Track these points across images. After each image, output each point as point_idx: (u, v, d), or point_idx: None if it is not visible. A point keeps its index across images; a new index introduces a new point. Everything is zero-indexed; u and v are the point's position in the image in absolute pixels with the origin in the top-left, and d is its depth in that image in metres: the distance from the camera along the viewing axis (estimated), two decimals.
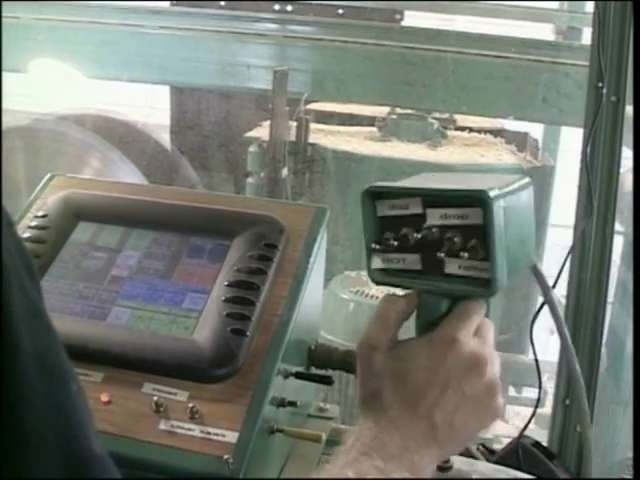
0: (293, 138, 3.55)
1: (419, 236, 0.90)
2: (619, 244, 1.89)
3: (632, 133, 1.58)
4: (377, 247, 0.93)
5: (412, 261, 0.92)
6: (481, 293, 0.89)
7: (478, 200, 0.85)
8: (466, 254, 0.86)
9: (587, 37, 3.23)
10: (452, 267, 0.88)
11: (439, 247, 0.88)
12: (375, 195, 0.93)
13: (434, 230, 0.89)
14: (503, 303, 3.52)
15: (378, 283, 0.96)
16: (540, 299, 0.98)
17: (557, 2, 4.71)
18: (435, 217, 0.88)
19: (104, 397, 1.11)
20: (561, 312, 1.19)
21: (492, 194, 0.84)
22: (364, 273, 2.66)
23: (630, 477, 2.02)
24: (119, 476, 0.65)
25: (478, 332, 0.90)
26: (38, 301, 0.63)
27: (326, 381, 1.33)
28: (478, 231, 0.86)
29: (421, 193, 0.90)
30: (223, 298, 1.21)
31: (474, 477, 1.14)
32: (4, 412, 0.57)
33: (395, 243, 0.92)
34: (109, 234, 1.35)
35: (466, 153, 3.73)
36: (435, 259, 0.89)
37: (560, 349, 1.37)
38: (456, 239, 0.87)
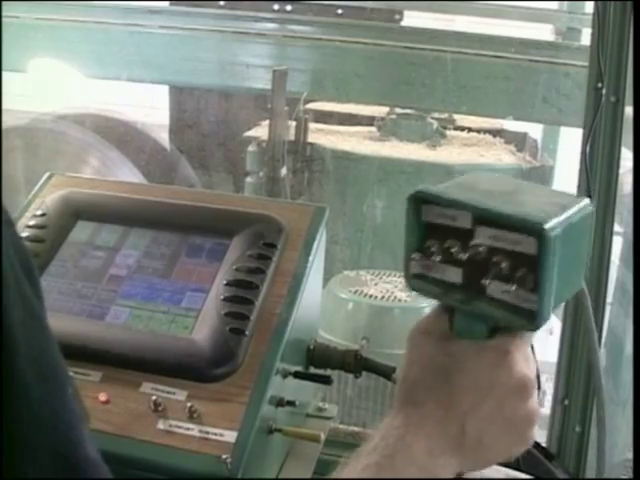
0: (292, 138, 3.54)
1: (464, 257, 0.85)
2: (618, 245, 1.89)
3: (632, 134, 1.58)
4: (418, 256, 0.88)
5: (453, 274, 0.87)
6: (521, 325, 0.84)
7: (534, 230, 0.79)
8: (514, 282, 0.82)
9: (586, 38, 3.23)
10: (494, 290, 0.83)
11: (484, 268, 0.84)
12: (422, 200, 0.88)
13: (481, 249, 0.83)
14: None
15: (415, 290, 0.91)
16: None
17: (556, 3, 4.70)
18: (484, 237, 0.83)
19: (102, 396, 1.11)
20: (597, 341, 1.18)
21: (550, 226, 0.79)
22: (363, 272, 2.66)
23: (630, 478, 2.02)
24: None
25: (528, 358, 0.88)
26: (36, 304, 0.62)
27: (325, 381, 1.33)
28: (529, 261, 0.80)
29: (472, 209, 0.84)
30: (222, 297, 1.21)
31: (476, 477, 1.14)
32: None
33: (437, 252, 0.87)
34: (108, 233, 1.35)
35: (465, 153, 3.73)
36: (478, 278, 0.84)
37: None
38: (504, 265, 0.82)
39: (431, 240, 0.88)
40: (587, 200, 0.90)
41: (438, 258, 0.87)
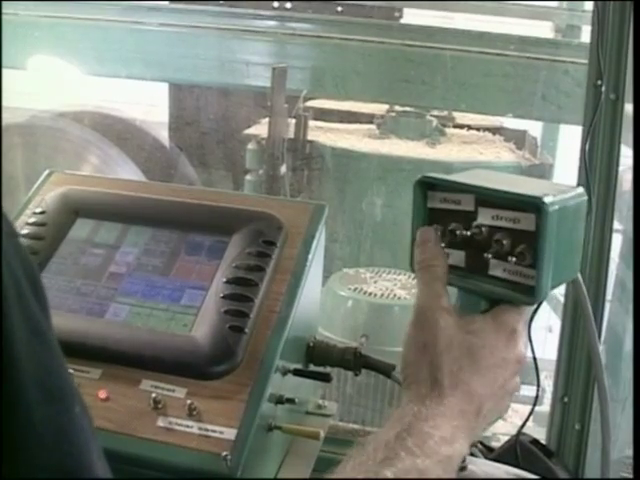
0: (292, 135, 3.54)
1: (468, 233, 0.89)
2: (617, 242, 1.89)
3: (632, 132, 1.58)
4: None
5: (456, 257, 0.91)
6: (522, 300, 0.88)
7: (533, 206, 0.84)
8: (513, 258, 0.85)
9: (586, 35, 3.22)
10: (496, 269, 0.88)
11: (486, 247, 0.88)
12: (427, 185, 0.92)
13: (483, 229, 0.88)
14: None
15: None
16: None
17: (556, 0, 4.70)
18: (486, 217, 0.87)
19: (102, 394, 1.11)
20: (595, 330, 1.18)
21: (548, 201, 0.83)
22: (362, 270, 2.66)
23: (629, 476, 2.02)
24: None
25: (524, 334, 0.91)
26: (41, 319, 0.62)
27: (324, 378, 1.33)
28: (528, 237, 0.85)
29: (475, 190, 0.89)
30: (221, 295, 1.21)
31: (479, 477, 1.14)
32: (2, 436, 0.56)
33: (442, 237, 0.91)
34: (107, 231, 1.35)
35: (465, 151, 3.73)
36: (480, 259, 0.88)
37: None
38: (505, 242, 0.86)
39: (435, 225, 0.92)
40: (582, 189, 0.94)
41: (443, 243, 0.90)
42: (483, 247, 0.88)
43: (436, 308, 0.90)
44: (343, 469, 0.80)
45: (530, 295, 0.86)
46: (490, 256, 0.87)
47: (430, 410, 0.83)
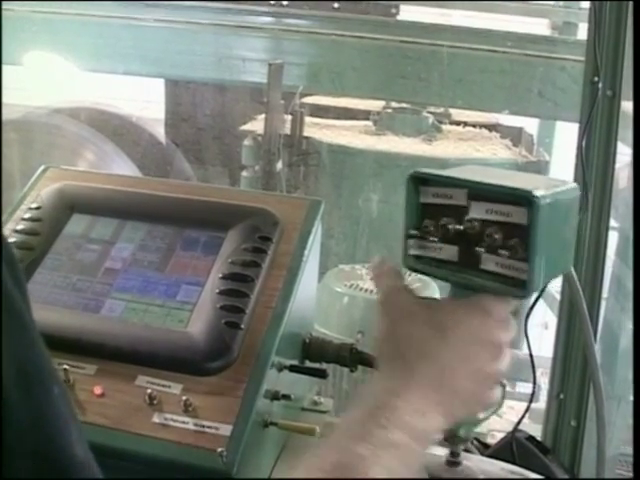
0: (288, 131, 3.54)
1: (460, 227, 0.89)
2: (614, 239, 1.89)
3: (632, 130, 1.58)
4: (415, 233, 0.92)
5: (449, 252, 0.91)
6: (514, 293, 0.88)
7: (525, 200, 0.84)
8: (505, 252, 0.86)
9: (583, 32, 3.22)
10: (489, 263, 0.88)
11: (478, 241, 0.88)
12: (420, 181, 0.93)
13: (476, 224, 0.88)
14: None
15: (412, 270, 0.95)
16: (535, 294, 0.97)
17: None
18: (479, 211, 0.88)
19: (97, 390, 1.11)
20: (590, 326, 1.18)
21: (539, 195, 0.83)
22: (358, 267, 2.66)
23: (625, 472, 2.02)
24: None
25: (505, 322, 0.91)
26: (18, 299, 0.61)
27: (320, 374, 1.33)
28: (520, 231, 0.85)
29: (468, 185, 0.89)
30: (217, 291, 1.21)
31: (482, 477, 1.14)
32: None
33: (434, 231, 0.91)
34: (103, 226, 1.34)
35: (461, 147, 3.73)
36: (472, 253, 0.88)
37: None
38: (497, 235, 0.86)
39: (428, 220, 0.92)
40: (575, 184, 0.94)
41: (435, 238, 0.91)
42: (475, 241, 0.88)
43: (396, 290, 0.91)
44: (317, 449, 0.80)
45: (522, 288, 0.86)
46: (482, 250, 0.87)
47: (400, 384, 0.83)
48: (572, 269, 1.01)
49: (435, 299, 0.93)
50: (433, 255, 0.92)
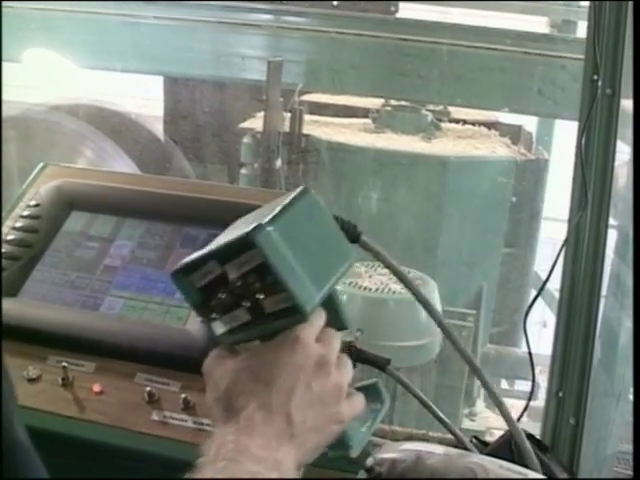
0: (287, 129, 3.54)
1: (230, 292, 0.90)
2: (612, 238, 1.89)
3: (631, 129, 1.58)
4: (210, 317, 0.93)
5: (239, 316, 0.92)
6: (299, 320, 0.89)
7: (248, 244, 0.85)
8: (271, 291, 0.87)
9: (582, 30, 3.22)
10: (269, 306, 0.89)
11: (248, 295, 0.89)
12: (184, 272, 0.93)
13: (238, 282, 0.89)
14: (497, 296, 3.53)
15: (230, 344, 0.95)
16: (533, 292, 0.97)
17: None
18: (232, 270, 0.89)
19: (96, 387, 1.11)
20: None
21: (255, 233, 0.85)
22: (357, 264, 2.66)
23: (623, 470, 2.02)
24: (40, 465, 0.65)
25: (321, 338, 0.92)
26: None
27: None
28: (269, 267, 0.86)
29: (211, 255, 0.91)
30: None
31: (484, 477, 1.14)
32: None
33: (219, 306, 0.92)
34: (102, 223, 1.34)
35: (460, 145, 3.73)
36: (253, 306, 0.90)
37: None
38: (256, 283, 0.88)
39: (211, 300, 0.93)
40: (304, 190, 0.95)
41: (223, 311, 0.92)
42: (247, 296, 0.90)
43: (212, 359, 0.93)
44: None
45: (300, 312, 0.88)
46: (256, 299, 0.89)
47: (236, 428, 0.85)
48: (363, 235, 1.01)
49: (251, 348, 0.94)
50: (232, 325, 0.93)
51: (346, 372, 0.93)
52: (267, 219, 0.87)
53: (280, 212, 0.89)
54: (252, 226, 0.86)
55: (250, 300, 0.89)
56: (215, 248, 0.91)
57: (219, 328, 0.93)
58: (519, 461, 1.33)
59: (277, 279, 0.86)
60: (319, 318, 0.93)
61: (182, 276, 0.93)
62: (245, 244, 0.86)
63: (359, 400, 0.94)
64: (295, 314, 0.88)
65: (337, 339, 0.94)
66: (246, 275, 0.88)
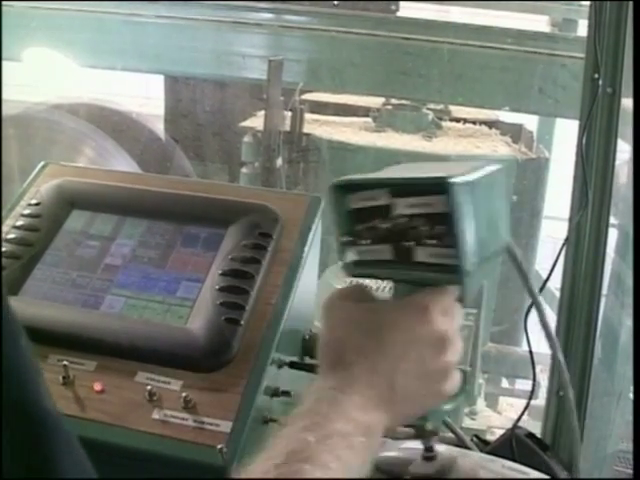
0: (288, 128, 3.54)
1: (388, 226, 0.90)
2: (613, 237, 1.89)
3: (632, 128, 1.58)
4: (349, 240, 0.93)
5: (383, 251, 0.91)
6: (450, 280, 0.88)
7: (440, 187, 0.84)
8: (433, 241, 0.86)
9: (583, 29, 3.22)
10: (421, 255, 0.88)
11: (408, 236, 0.88)
12: (344, 189, 0.93)
13: (402, 220, 0.88)
14: (497, 295, 3.53)
15: (353, 276, 0.96)
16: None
17: None
18: (401, 207, 0.88)
19: (97, 386, 1.11)
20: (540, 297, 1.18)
21: (454, 181, 0.84)
22: None
23: (623, 469, 2.03)
24: (72, 435, 0.64)
25: (447, 312, 0.90)
26: None
27: None
28: (444, 218, 0.85)
29: (387, 184, 0.90)
30: (217, 287, 1.21)
31: (485, 477, 1.14)
32: None
33: (366, 234, 0.92)
34: (103, 222, 1.34)
35: (461, 144, 3.73)
36: (405, 248, 0.89)
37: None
38: (423, 227, 0.87)
39: (359, 225, 0.92)
40: (506, 159, 0.96)
41: (368, 241, 0.92)
42: (405, 236, 0.89)
43: (336, 296, 0.93)
44: (269, 445, 0.81)
45: (456, 274, 0.86)
46: (413, 243, 0.88)
47: (339, 382, 0.84)
48: (511, 242, 1.01)
49: (377, 301, 0.93)
50: (369, 257, 0.93)
51: (458, 351, 0.91)
52: (464, 177, 0.86)
53: (476, 176, 0.88)
54: (447, 175, 0.85)
55: (406, 241, 0.88)
56: (391, 178, 0.91)
57: (352, 255, 0.93)
58: (520, 460, 1.33)
59: (452, 233, 0.85)
60: (452, 291, 0.91)
61: (341, 191, 0.93)
62: (434, 188, 0.85)
63: (457, 378, 0.93)
64: (447, 274, 0.87)
65: (460, 316, 0.93)
66: (413, 216, 0.88)
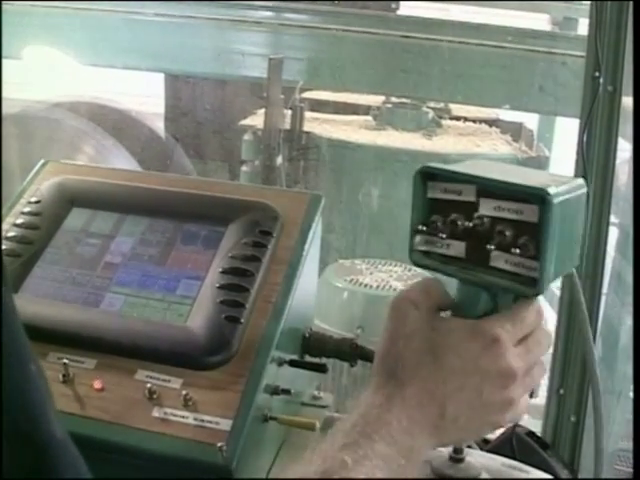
0: (288, 126, 3.54)
1: (470, 224, 0.87)
2: (614, 235, 1.89)
3: (632, 126, 1.58)
4: (423, 228, 0.91)
5: (457, 248, 0.89)
6: (524, 291, 0.86)
7: (537, 197, 0.83)
8: (517, 250, 0.84)
9: (583, 27, 3.22)
10: (498, 261, 0.86)
11: (488, 238, 0.86)
12: (428, 176, 0.91)
13: (485, 220, 0.86)
14: None
15: (418, 265, 0.93)
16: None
17: None
18: (488, 208, 0.86)
19: (97, 384, 1.11)
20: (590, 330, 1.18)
21: (553, 193, 0.82)
22: (358, 261, 2.66)
23: (623, 468, 2.03)
24: (80, 460, 0.63)
25: (527, 341, 0.87)
26: None
27: (320, 369, 1.33)
28: (531, 228, 0.84)
29: (477, 181, 0.88)
30: (217, 285, 1.20)
31: (486, 477, 1.13)
32: None
33: (442, 227, 0.90)
34: (103, 220, 1.34)
35: (461, 142, 3.73)
36: (481, 250, 0.87)
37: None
38: (507, 233, 0.85)
39: (436, 215, 0.91)
40: (582, 180, 0.93)
41: (443, 234, 0.90)
42: (484, 238, 0.87)
43: (406, 301, 0.88)
44: (307, 456, 0.79)
45: (532, 286, 0.84)
46: (493, 247, 0.86)
47: (388, 400, 0.82)
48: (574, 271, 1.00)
49: (446, 319, 0.89)
50: (441, 251, 0.91)
51: (532, 383, 0.88)
52: (559, 190, 0.84)
53: (567, 191, 0.86)
54: (545, 185, 0.83)
55: (485, 243, 0.86)
56: (482, 177, 0.88)
57: (421, 244, 0.92)
58: (520, 458, 1.33)
59: (537, 246, 0.83)
60: (539, 318, 0.89)
61: (425, 178, 0.91)
62: (529, 197, 0.84)
63: (524, 407, 0.89)
64: (521, 285, 0.85)
65: (545, 344, 0.90)
66: (498, 220, 0.86)
